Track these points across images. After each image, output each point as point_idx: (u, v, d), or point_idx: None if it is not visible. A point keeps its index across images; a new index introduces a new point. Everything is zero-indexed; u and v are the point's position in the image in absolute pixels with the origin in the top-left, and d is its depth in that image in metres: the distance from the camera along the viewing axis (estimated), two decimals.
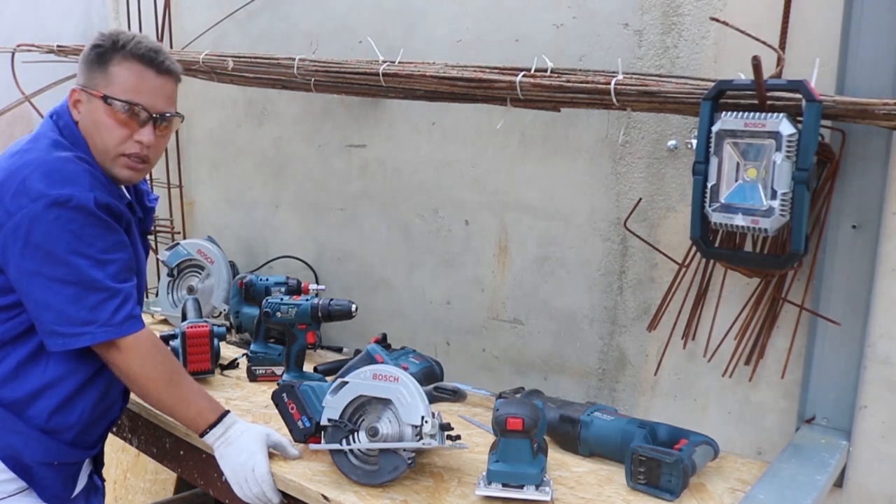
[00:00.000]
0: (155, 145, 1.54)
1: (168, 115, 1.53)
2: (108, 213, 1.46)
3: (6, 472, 1.49)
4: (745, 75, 1.47)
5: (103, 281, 1.43)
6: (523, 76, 1.76)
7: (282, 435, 1.57)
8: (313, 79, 2.19)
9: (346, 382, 1.47)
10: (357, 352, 2.07)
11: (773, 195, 1.44)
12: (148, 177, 1.89)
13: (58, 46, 2.90)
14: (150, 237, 3.01)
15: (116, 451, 2.86)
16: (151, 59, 1.49)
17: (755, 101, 1.47)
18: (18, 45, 2.99)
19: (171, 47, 2.89)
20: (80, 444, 1.58)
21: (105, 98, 1.47)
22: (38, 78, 2.96)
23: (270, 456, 1.52)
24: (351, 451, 1.45)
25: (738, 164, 1.48)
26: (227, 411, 1.56)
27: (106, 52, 1.49)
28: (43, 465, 1.51)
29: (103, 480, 1.76)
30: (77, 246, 1.41)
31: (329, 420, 1.47)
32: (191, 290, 2.54)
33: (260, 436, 1.53)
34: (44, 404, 1.50)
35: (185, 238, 2.92)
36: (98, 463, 1.72)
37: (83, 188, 1.42)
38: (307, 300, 1.98)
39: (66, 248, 1.40)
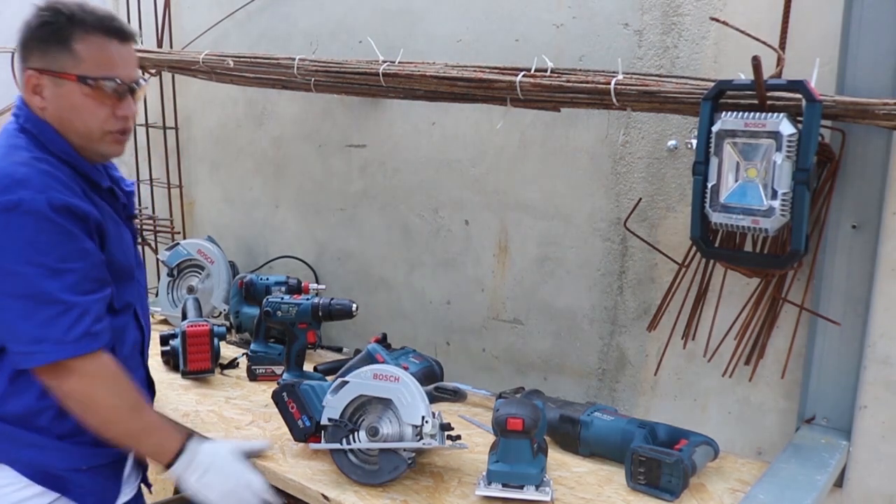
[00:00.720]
0: (134, 114, 1.48)
1: (141, 82, 1.47)
2: (69, 215, 1.33)
3: (33, 485, 1.41)
4: (745, 75, 1.47)
5: (56, 293, 1.31)
6: (523, 76, 1.75)
7: (241, 437, 1.53)
8: (313, 79, 2.19)
9: (347, 382, 1.48)
10: (357, 351, 2.07)
11: (774, 195, 1.43)
12: (135, 172, 1.82)
13: None
14: (151, 237, 3.02)
15: None
16: (114, 29, 1.41)
17: (755, 101, 1.47)
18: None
19: (171, 47, 2.89)
20: (105, 443, 1.44)
21: (80, 78, 1.38)
22: None
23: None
24: (351, 450, 1.45)
25: (738, 164, 1.48)
26: (191, 434, 1.48)
27: (61, 27, 1.38)
28: (73, 471, 1.44)
29: (150, 485, 1.70)
30: (29, 254, 1.30)
31: (329, 419, 1.47)
32: (191, 289, 2.54)
33: (235, 453, 1.48)
34: (49, 412, 1.41)
35: (184, 238, 2.92)
36: (143, 466, 1.64)
37: (34, 190, 1.30)
38: (307, 300, 1.99)
39: (15, 258, 1.29)
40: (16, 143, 1.39)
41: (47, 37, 1.39)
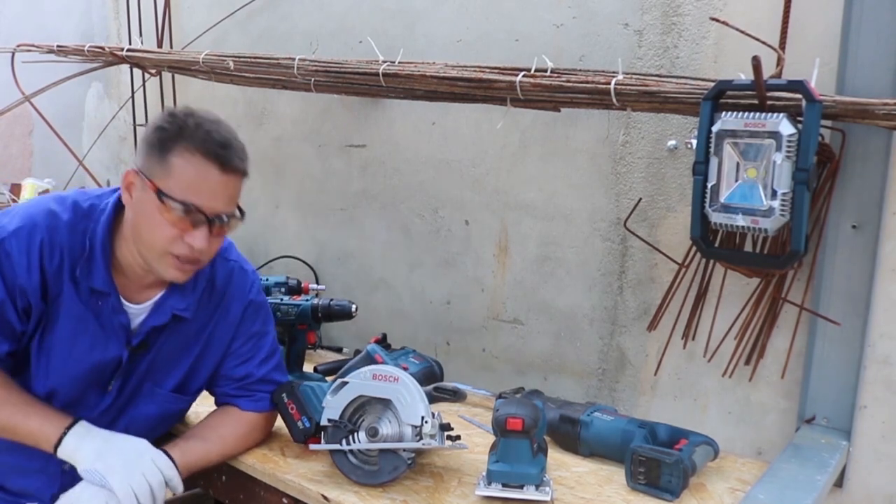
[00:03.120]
0: (209, 247, 1.38)
1: (226, 217, 1.37)
2: (6, 264, 1.34)
3: None
4: (745, 75, 1.47)
5: None
6: (523, 76, 1.75)
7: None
8: (313, 79, 2.19)
9: (346, 382, 1.47)
10: (357, 352, 2.07)
11: (773, 195, 1.43)
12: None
13: (58, 46, 2.89)
14: None
15: None
16: (217, 155, 1.32)
17: (755, 101, 1.47)
18: (18, 45, 2.98)
19: (171, 47, 2.89)
20: None
21: (159, 193, 1.31)
22: (39, 78, 2.96)
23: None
24: (351, 451, 1.45)
25: (738, 164, 1.48)
26: (77, 421, 1.40)
27: (169, 138, 1.32)
28: None
29: None
30: None
31: (329, 420, 1.46)
32: None
33: (137, 439, 1.43)
34: None
35: None
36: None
37: (12, 231, 1.36)
38: (307, 300, 1.98)
39: None
40: (77, 199, 1.42)
41: (154, 141, 1.34)
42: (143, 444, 1.42)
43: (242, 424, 1.58)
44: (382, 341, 1.98)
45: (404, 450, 1.42)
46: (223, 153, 1.33)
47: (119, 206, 1.43)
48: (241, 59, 2.35)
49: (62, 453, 1.38)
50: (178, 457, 1.43)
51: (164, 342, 1.52)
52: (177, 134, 1.33)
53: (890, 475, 1.55)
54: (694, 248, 1.70)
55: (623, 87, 1.62)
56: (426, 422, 1.40)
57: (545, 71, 1.76)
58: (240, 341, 1.59)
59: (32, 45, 2.95)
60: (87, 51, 2.80)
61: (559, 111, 1.85)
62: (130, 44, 2.93)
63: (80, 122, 3.57)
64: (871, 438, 1.56)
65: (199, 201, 1.33)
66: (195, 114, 1.36)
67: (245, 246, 2.75)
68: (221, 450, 1.53)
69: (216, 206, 1.36)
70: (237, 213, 1.42)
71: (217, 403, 1.63)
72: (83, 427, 1.41)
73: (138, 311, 1.48)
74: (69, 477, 1.43)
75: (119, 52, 2.74)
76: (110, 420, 1.50)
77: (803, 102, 1.40)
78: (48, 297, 1.40)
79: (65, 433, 1.38)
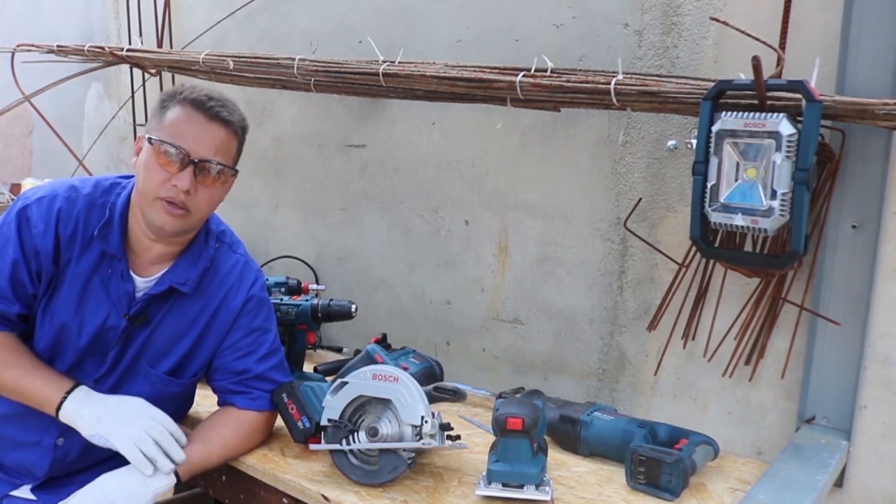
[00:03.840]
0: (195, 193, 1.45)
1: (210, 161, 1.45)
2: (25, 228, 1.46)
3: None
4: (745, 75, 1.47)
5: None
6: (523, 76, 1.75)
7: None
8: (313, 79, 2.19)
9: (346, 382, 1.47)
10: (357, 352, 2.07)
11: (773, 195, 1.43)
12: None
13: (58, 46, 2.89)
14: None
15: None
16: (202, 104, 1.45)
17: (755, 101, 1.47)
18: (18, 45, 2.98)
19: (171, 47, 2.89)
20: None
21: (150, 138, 1.45)
22: (39, 78, 2.96)
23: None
24: (351, 451, 1.45)
25: (737, 163, 1.48)
26: (78, 384, 1.48)
27: (167, 98, 1.48)
28: None
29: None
30: None
31: (329, 420, 1.46)
32: None
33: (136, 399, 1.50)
34: None
35: None
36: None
37: (35, 199, 1.48)
38: (307, 300, 1.98)
39: None
40: (100, 179, 1.57)
41: (156, 105, 1.50)
42: (139, 402, 1.49)
43: (243, 425, 1.58)
44: (382, 341, 1.98)
45: (404, 450, 1.42)
46: (210, 103, 1.46)
47: None
48: (241, 59, 2.35)
49: (63, 416, 1.45)
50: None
51: (163, 319, 1.56)
52: (173, 94, 1.48)
53: (890, 475, 1.55)
54: (694, 248, 1.70)
55: (623, 87, 1.62)
56: (426, 422, 1.41)
57: (545, 71, 1.76)
58: (239, 333, 1.61)
59: (32, 45, 2.95)
60: (87, 51, 2.80)
61: (559, 111, 1.86)
62: (130, 44, 2.94)
63: (80, 123, 3.57)
64: (872, 438, 1.56)
65: (184, 144, 1.44)
66: (198, 85, 1.51)
67: (245, 246, 2.75)
68: (222, 451, 1.54)
69: (200, 151, 1.45)
70: (226, 166, 1.50)
71: (218, 403, 1.64)
72: (82, 392, 1.47)
73: (143, 285, 1.54)
74: (62, 451, 1.55)
75: (119, 52, 2.74)
76: (106, 391, 1.54)
77: (803, 102, 1.41)
78: (59, 262, 1.49)
79: (65, 397, 1.45)
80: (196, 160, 1.44)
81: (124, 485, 1.39)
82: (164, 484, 1.42)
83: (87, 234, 1.50)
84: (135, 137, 3.09)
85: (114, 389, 1.54)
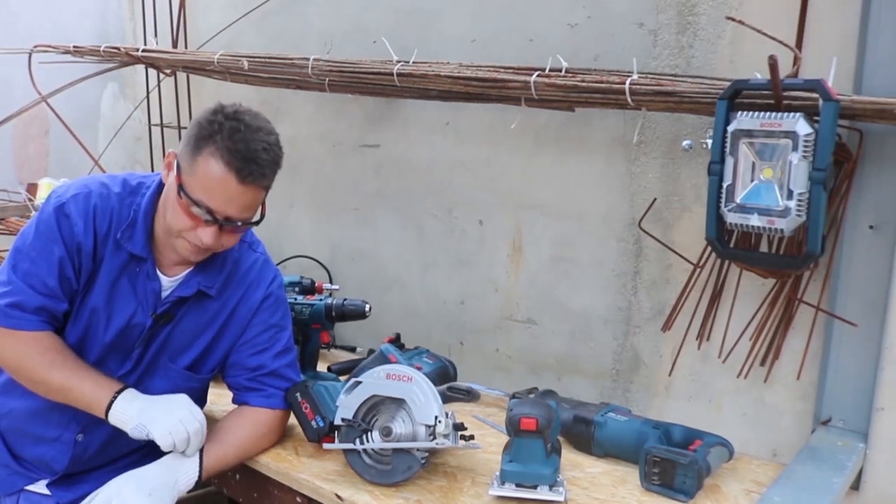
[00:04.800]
0: (219, 240, 1.46)
1: (236, 222, 1.45)
2: (65, 224, 1.47)
3: None
4: (761, 75, 1.46)
5: (6, 269, 1.48)
6: (538, 76, 1.75)
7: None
8: (327, 79, 2.19)
9: (360, 382, 1.47)
10: (371, 351, 2.07)
11: (790, 195, 1.43)
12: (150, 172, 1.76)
13: (74, 47, 2.91)
14: None
15: None
16: (238, 168, 1.38)
17: (771, 101, 1.46)
18: (35, 47, 3.01)
19: (186, 47, 2.90)
20: (10, 463, 1.58)
21: (180, 187, 1.42)
22: (55, 79, 2.98)
23: None
24: (364, 450, 1.45)
25: (753, 164, 1.47)
26: (126, 387, 1.50)
27: (202, 136, 1.40)
28: None
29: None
30: (23, 237, 1.51)
31: (343, 420, 1.47)
32: None
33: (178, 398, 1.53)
34: None
35: None
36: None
37: (71, 196, 1.48)
38: (321, 300, 1.98)
39: (20, 236, 1.52)
40: (127, 177, 1.57)
41: (191, 136, 1.43)
42: (183, 398, 1.52)
43: (257, 425, 1.59)
44: (396, 341, 1.98)
45: (418, 449, 1.42)
46: (244, 167, 1.39)
47: (163, 186, 1.53)
48: (256, 60, 2.36)
49: (112, 417, 1.47)
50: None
51: (185, 316, 1.58)
52: (209, 135, 1.40)
53: None
54: (709, 249, 1.69)
55: (638, 86, 1.62)
56: (440, 421, 1.40)
57: (559, 71, 1.76)
58: (256, 330, 1.62)
59: (49, 46, 2.98)
60: (103, 51, 2.82)
61: (573, 111, 1.85)
62: (146, 44, 2.95)
63: (96, 123, 3.59)
64: (889, 441, 1.54)
65: (212, 204, 1.41)
66: (239, 116, 1.42)
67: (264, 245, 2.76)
68: (238, 451, 1.56)
69: (228, 211, 1.43)
70: (252, 217, 1.49)
71: (233, 401, 1.66)
72: (131, 393, 1.50)
73: (169, 284, 1.56)
74: (81, 447, 1.58)
75: (134, 53, 2.75)
76: None
77: (820, 102, 1.40)
78: (96, 259, 1.51)
79: (115, 397, 1.47)
80: (221, 220, 1.43)
81: (158, 475, 1.45)
82: (190, 474, 1.47)
83: (117, 233, 1.51)
84: (150, 137, 3.13)
85: (135, 385, 1.56)
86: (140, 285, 1.53)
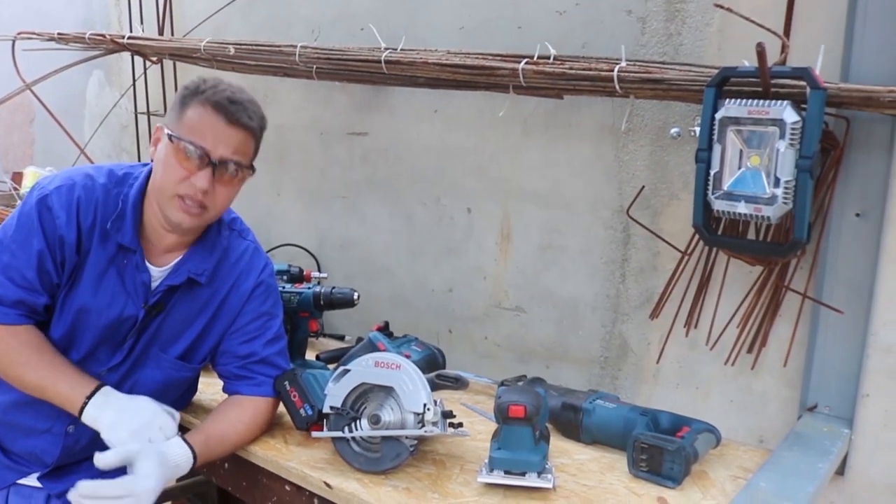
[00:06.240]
0: (213, 192, 1.46)
1: (229, 162, 1.46)
2: (47, 217, 1.46)
3: None
4: (749, 62, 1.46)
5: None
6: (526, 63, 1.75)
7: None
8: (315, 66, 2.18)
9: (348, 370, 1.47)
10: (359, 340, 2.07)
11: (777, 183, 1.43)
12: (136, 160, 1.79)
13: (58, 34, 2.88)
14: None
15: None
16: (225, 109, 1.44)
17: (759, 89, 1.46)
18: (19, 33, 2.97)
19: (173, 35, 2.88)
20: (1, 457, 1.57)
21: (170, 136, 1.44)
22: (40, 66, 2.95)
23: None
24: (353, 438, 1.45)
25: (741, 151, 1.47)
26: (102, 385, 1.49)
27: (188, 95, 1.46)
28: None
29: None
30: (5, 229, 1.50)
31: (331, 408, 1.47)
32: None
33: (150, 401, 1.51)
34: None
35: None
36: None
37: (54, 188, 1.47)
38: (309, 288, 1.97)
39: (1, 229, 1.51)
40: (113, 167, 1.56)
41: (178, 100, 1.49)
42: (150, 411, 1.48)
43: (247, 413, 1.59)
44: (384, 329, 1.98)
45: (406, 437, 1.42)
46: (231, 107, 1.45)
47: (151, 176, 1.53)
48: (243, 47, 2.34)
49: (86, 419, 1.46)
50: (202, 459, 1.48)
51: (176, 305, 1.57)
52: (194, 93, 1.46)
53: (892, 463, 1.54)
54: (697, 236, 1.69)
55: (626, 74, 1.61)
56: (428, 409, 1.40)
57: (548, 58, 1.75)
58: (247, 318, 1.62)
59: (33, 33, 2.94)
60: (88, 38, 2.79)
61: (562, 98, 1.85)
62: (131, 31, 2.93)
63: (82, 111, 3.56)
64: (874, 427, 1.55)
65: (204, 144, 1.44)
66: (221, 80, 1.49)
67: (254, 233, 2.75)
68: (229, 442, 1.56)
69: (218, 150, 1.45)
70: (244, 165, 1.50)
71: (223, 390, 1.65)
72: (102, 396, 1.47)
73: (158, 274, 1.55)
74: (73, 438, 1.57)
75: (120, 40, 2.73)
76: (118, 379, 1.56)
77: (808, 90, 1.40)
78: (81, 252, 1.50)
79: (86, 402, 1.46)
80: (215, 161, 1.44)
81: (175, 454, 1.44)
82: (188, 459, 1.45)
83: (103, 225, 1.50)
84: (136, 125, 3.11)
85: (127, 376, 1.56)
86: (129, 277, 1.52)
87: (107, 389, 1.49)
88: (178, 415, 1.54)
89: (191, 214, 1.47)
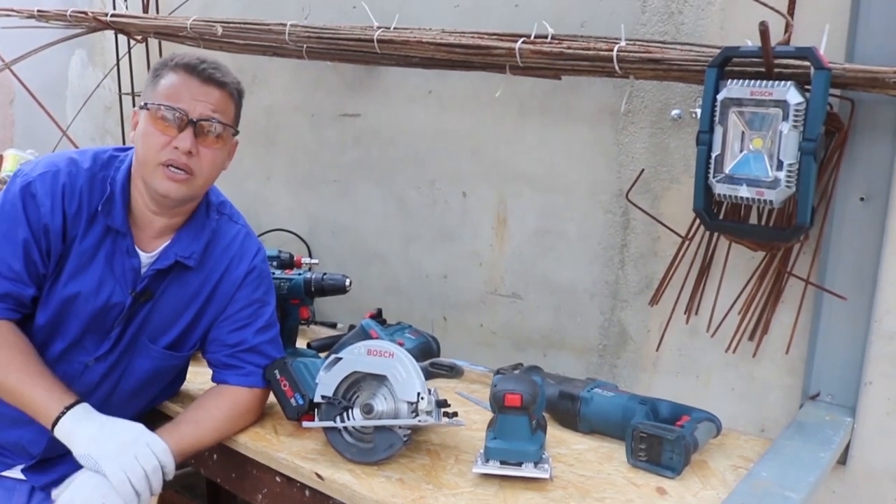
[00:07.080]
0: (198, 155, 1.44)
1: (209, 120, 1.44)
2: (31, 205, 1.43)
3: None
4: (752, 42, 1.44)
5: None
6: (523, 43, 1.72)
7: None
8: (305, 45, 2.15)
9: (340, 358, 1.45)
10: (351, 327, 2.05)
11: (779, 166, 1.41)
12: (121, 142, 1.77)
13: (38, 11, 2.83)
14: None
15: None
16: (194, 67, 1.44)
17: (762, 69, 1.44)
18: None
19: (158, 12, 2.83)
20: None
21: (146, 105, 1.44)
22: (19, 45, 2.89)
23: None
24: (345, 428, 1.43)
25: (743, 133, 1.46)
26: (79, 401, 1.42)
27: (159, 67, 1.47)
28: None
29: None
30: None
31: (323, 397, 1.45)
32: None
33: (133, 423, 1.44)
34: None
35: None
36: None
37: (38, 175, 1.44)
38: (300, 274, 1.95)
39: None
40: (97, 151, 1.54)
41: (150, 76, 1.50)
42: (138, 429, 1.43)
43: (235, 405, 1.56)
44: (377, 316, 1.96)
45: (400, 427, 1.41)
46: (202, 66, 1.45)
47: None
48: (231, 25, 2.31)
49: (59, 432, 1.39)
50: (172, 443, 1.42)
51: (165, 293, 1.54)
52: (165, 63, 1.47)
53: (895, 452, 1.54)
54: (697, 221, 1.67)
55: (626, 54, 1.60)
56: (422, 398, 1.39)
57: (545, 37, 1.73)
58: (239, 305, 1.59)
59: (11, 10, 2.88)
60: (70, 16, 2.74)
61: (560, 79, 1.82)
62: (115, 8, 2.87)
63: (64, 91, 3.52)
64: (877, 415, 1.54)
65: (182, 105, 1.43)
66: (190, 51, 1.54)
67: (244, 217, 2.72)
68: (214, 433, 1.53)
69: (198, 109, 1.43)
70: (226, 124, 1.48)
71: (212, 378, 1.62)
72: (82, 409, 1.42)
73: (147, 260, 1.52)
74: None
75: (103, 18, 2.69)
76: (107, 367, 1.53)
77: (812, 70, 1.38)
78: (66, 239, 1.47)
79: (63, 412, 1.39)
80: (195, 119, 1.43)
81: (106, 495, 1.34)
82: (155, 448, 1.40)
83: (90, 210, 1.47)
84: (121, 106, 3.06)
85: (115, 366, 1.53)
86: (118, 263, 1.49)
87: (87, 405, 1.43)
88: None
89: (177, 181, 1.43)
